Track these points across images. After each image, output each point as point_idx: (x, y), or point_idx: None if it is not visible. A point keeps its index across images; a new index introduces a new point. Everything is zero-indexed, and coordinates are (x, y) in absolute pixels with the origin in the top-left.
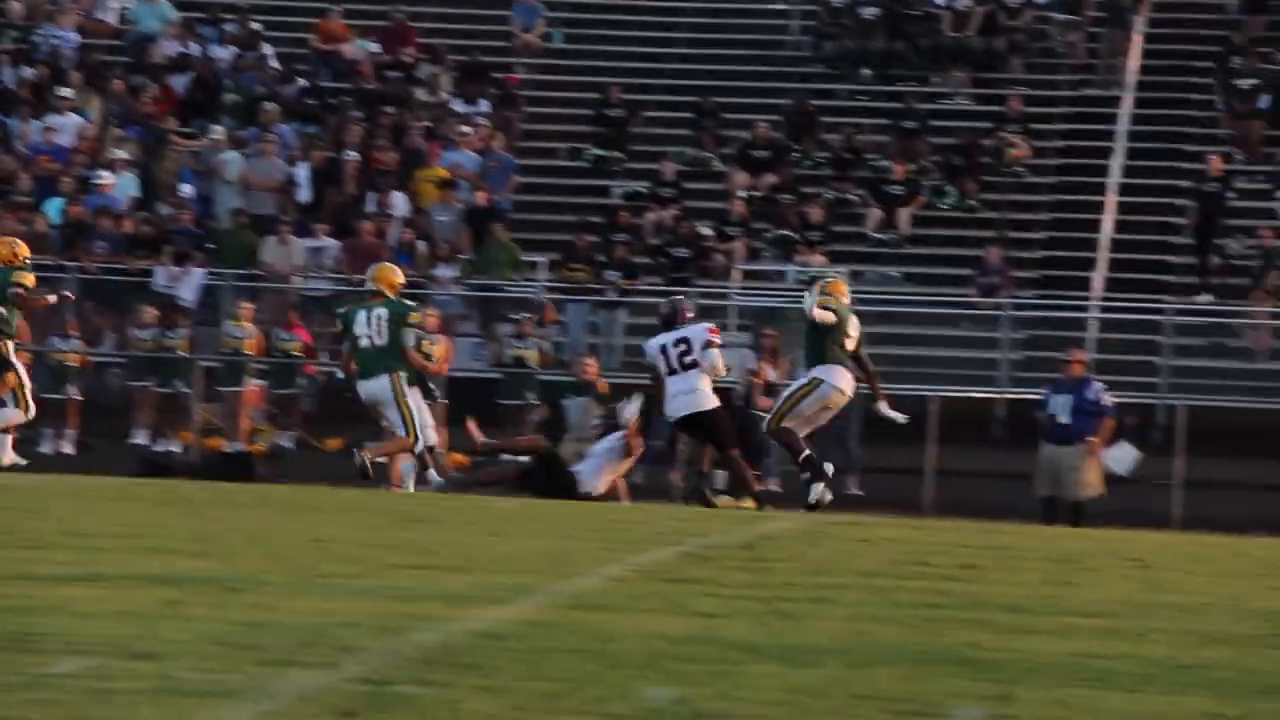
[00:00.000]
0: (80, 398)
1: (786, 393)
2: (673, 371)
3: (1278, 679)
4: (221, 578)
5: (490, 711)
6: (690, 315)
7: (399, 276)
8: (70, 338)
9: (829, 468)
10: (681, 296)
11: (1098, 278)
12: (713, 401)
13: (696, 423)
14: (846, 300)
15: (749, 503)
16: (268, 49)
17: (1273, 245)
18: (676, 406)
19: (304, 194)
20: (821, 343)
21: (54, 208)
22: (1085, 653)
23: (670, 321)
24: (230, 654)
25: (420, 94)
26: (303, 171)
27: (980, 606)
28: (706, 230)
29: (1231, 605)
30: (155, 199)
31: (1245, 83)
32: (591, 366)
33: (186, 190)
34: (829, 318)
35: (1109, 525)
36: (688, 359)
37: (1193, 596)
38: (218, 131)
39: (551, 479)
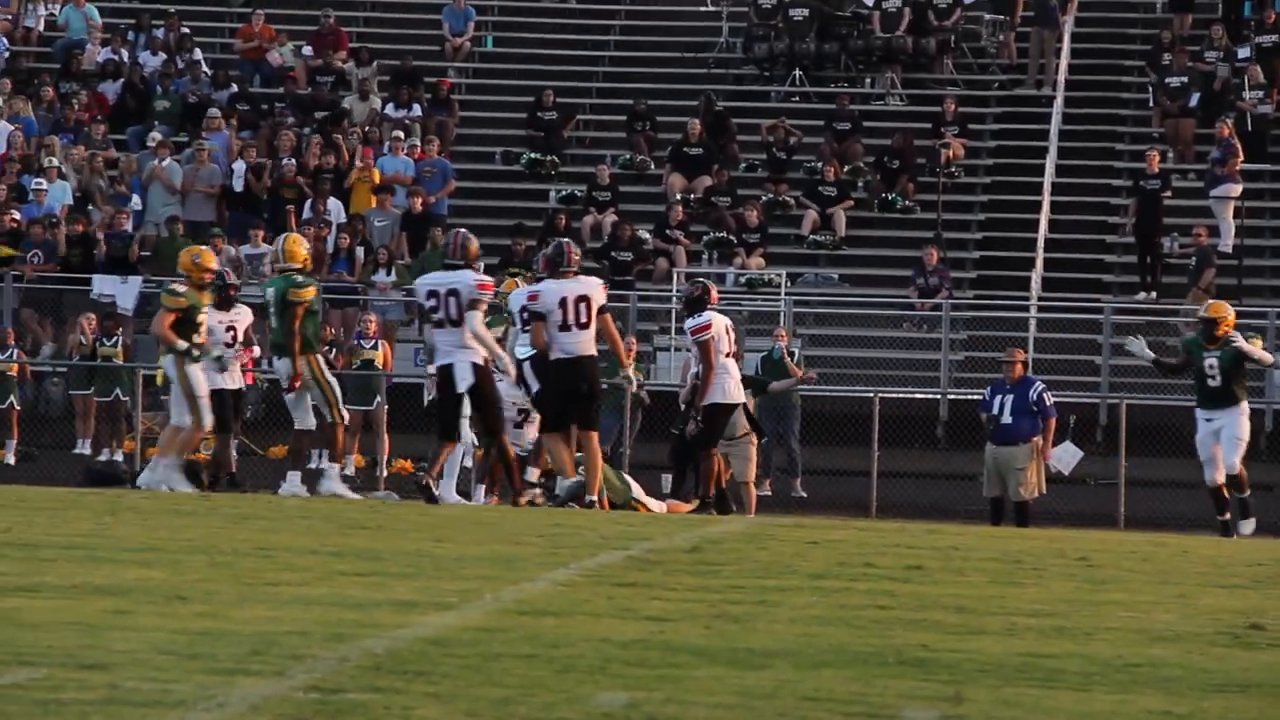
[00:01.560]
0: (19, 407)
1: (1247, 435)
2: (728, 356)
3: (1225, 677)
4: (169, 587)
5: (441, 718)
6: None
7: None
8: (9, 347)
9: None
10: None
11: (1035, 277)
12: None
13: (731, 413)
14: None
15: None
16: (197, 54)
17: (1208, 244)
18: (737, 393)
19: (239, 189)
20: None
21: None
22: (1033, 652)
23: (701, 302)
24: (179, 663)
25: (350, 99)
26: (239, 168)
27: (927, 607)
28: (645, 234)
29: (1177, 603)
30: (90, 206)
31: (1175, 81)
32: None
33: (135, 202)
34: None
35: (1054, 525)
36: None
37: (1138, 595)
38: (153, 138)
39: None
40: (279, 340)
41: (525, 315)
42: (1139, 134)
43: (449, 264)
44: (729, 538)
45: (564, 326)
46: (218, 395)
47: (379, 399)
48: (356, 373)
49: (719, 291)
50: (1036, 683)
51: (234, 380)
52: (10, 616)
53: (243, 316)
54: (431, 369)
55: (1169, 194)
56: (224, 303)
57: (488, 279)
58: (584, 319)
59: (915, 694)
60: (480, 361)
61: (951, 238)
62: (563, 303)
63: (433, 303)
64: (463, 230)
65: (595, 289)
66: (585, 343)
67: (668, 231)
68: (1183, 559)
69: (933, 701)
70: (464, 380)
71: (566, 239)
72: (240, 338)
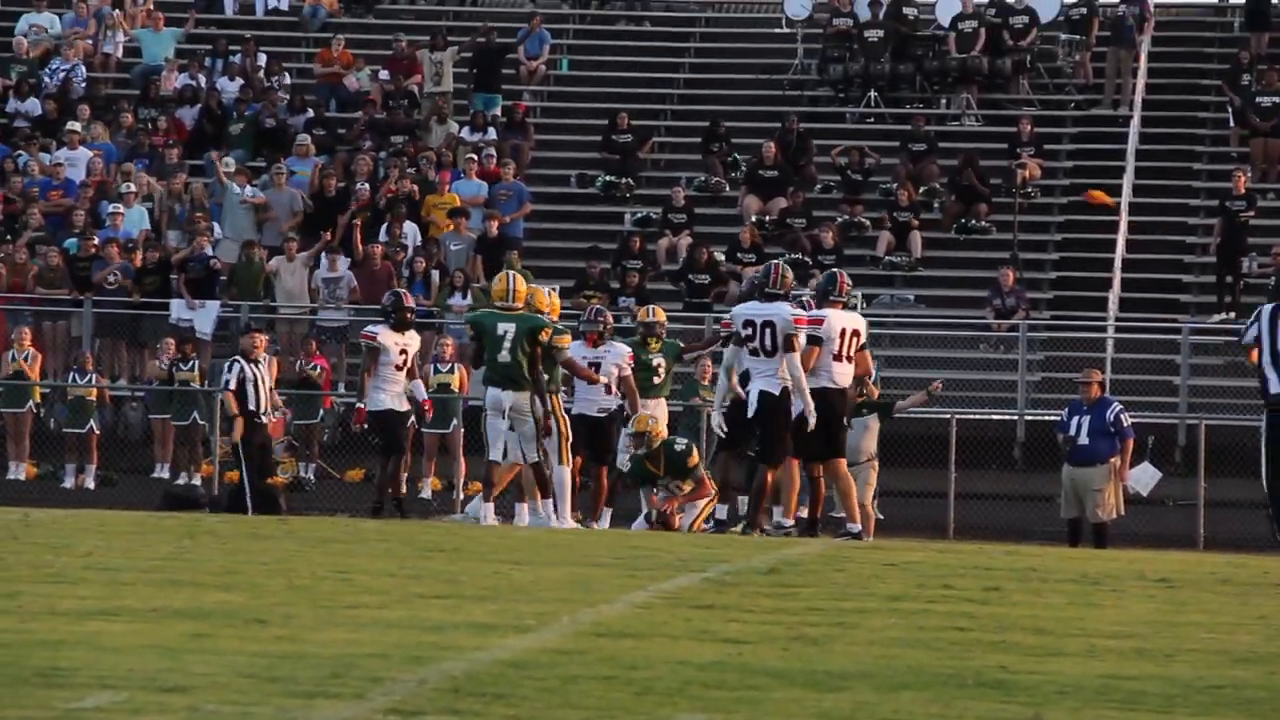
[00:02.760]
0: (99, 432)
1: None
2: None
3: None
4: (248, 610)
5: None
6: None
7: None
8: (88, 372)
9: None
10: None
11: (1113, 297)
12: None
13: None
14: None
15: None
16: (285, 79)
17: None
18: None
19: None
20: None
21: (69, 242)
22: (1114, 674)
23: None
24: (259, 686)
25: (431, 122)
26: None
27: (1006, 629)
28: (721, 256)
29: (1259, 625)
30: (167, 231)
31: (1267, 100)
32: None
33: (217, 231)
34: None
35: (1132, 546)
36: None
37: (1219, 617)
38: (227, 163)
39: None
40: (514, 374)
41: (784, 338)
42: (1217, 153)
43: (769, 294)
44: (806, 560)
45: (837, 356)
46: (387, 416)
47: (455, 422)
48: (433, 396)
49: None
50: (1117, 704)
51: (405, 403)
52: (91, 640)
53: (414, 341)
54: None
55: (1252, 214)
56: (401, 325)
57: (803, 313)
58: (851, 352)
59: (995, 715)
60: (775, 392)
61: (1028, 258)
62: (842, 333)
63: (749, 331)
64: (780, 261)
65: (864, 325)
66: (849, 375)
67: (738, 255)
68: (1263, 580)
69: None
70: (751, 406)
71: (839, 269)
72: (410, 361)
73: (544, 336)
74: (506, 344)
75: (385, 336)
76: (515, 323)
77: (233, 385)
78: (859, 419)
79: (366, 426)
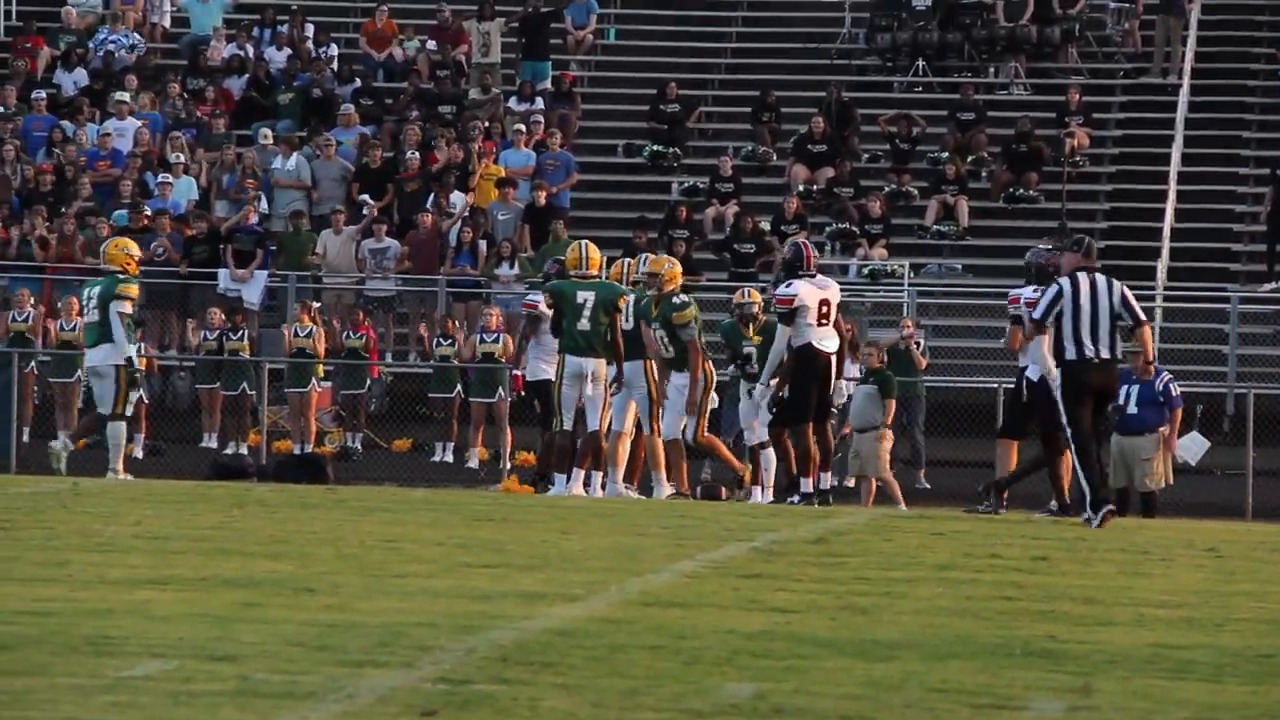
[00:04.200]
0: (148, 401)
1: None
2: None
3: None
4: (297, 579)
5: (569, 709)
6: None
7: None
8: (136, 342)
9: None
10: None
11: (1161, 266)
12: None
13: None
14: None
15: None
16: (332, 50)
17: None
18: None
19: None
20: None
21: (118, 214)
22: (1163, 643)
23: (794, 266)
24: (308, 655)
25: (474, 93)
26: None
27: (1054, 598)
28: (766, 225)
29: None
30: (216, 201)
31: None
32: (875, 353)
33: (263, 205)
34: None
35: (1181, 516)
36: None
37: (1269, 586)
38: (264, 134)
39: None
40: (594, 342)
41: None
42: (1267, 122)
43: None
44: (854, 529)
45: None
46: (546, 386)
47: (501, 391)
48: (479, 365)
49: (840, 283)
50: (1166, 674)
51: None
52: (141, 609)
53: None
54: None
55: None
56: None
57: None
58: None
59: (1043, 685)
60: (1034, 378)
61: (1076, 228)
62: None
63: None
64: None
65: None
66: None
67: (783, 227)
68: None
69: (1061, 693)
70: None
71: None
72: None
73: (622, 304)
74: (586, 312)
75: (547, 304)
76: (594, 291)
77: None
78: (862, 387)
79: (524, 395)
